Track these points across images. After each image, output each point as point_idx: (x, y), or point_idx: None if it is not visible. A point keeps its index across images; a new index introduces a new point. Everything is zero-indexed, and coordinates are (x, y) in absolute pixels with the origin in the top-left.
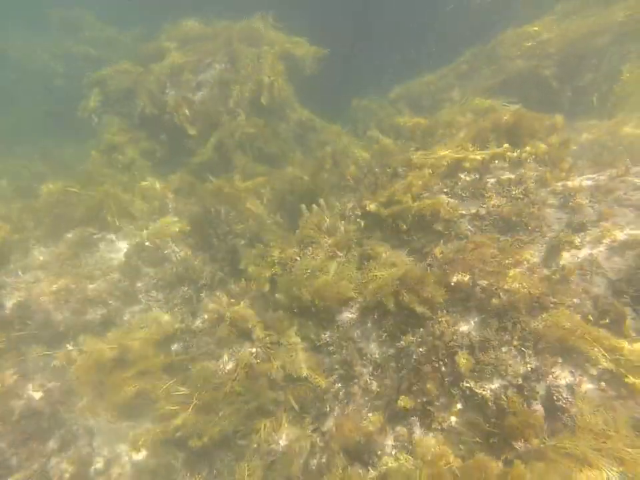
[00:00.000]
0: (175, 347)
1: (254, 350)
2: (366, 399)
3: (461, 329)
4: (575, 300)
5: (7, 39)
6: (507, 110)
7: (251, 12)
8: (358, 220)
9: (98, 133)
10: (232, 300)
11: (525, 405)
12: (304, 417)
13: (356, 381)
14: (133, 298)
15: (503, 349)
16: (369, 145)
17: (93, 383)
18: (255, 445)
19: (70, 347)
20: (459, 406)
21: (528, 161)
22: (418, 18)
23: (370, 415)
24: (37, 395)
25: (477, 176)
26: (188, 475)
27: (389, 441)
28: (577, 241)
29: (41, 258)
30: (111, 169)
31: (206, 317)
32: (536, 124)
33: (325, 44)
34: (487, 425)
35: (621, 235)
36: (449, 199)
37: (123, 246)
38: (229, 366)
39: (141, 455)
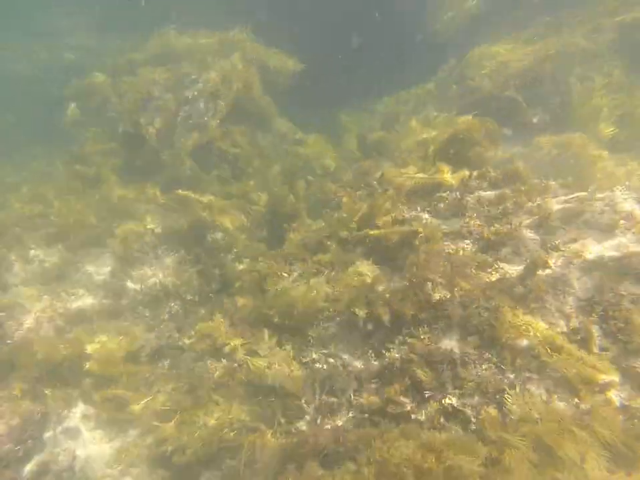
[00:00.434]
0: (164, 363)
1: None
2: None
3: (443, 346)
4: (550, 319)
5: None
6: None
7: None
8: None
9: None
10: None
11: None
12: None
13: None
14: (118, 315)
15: (484, 366)
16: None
17: None
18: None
19: None
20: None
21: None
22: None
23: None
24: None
25: (458, 194)
26: None
27: None
28: (551, 261)
29: (23, 274)
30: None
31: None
32: (476, 135)
33: (312, 57)
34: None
35: (589, 256)
36: (431, 218)
37: (108, 262)
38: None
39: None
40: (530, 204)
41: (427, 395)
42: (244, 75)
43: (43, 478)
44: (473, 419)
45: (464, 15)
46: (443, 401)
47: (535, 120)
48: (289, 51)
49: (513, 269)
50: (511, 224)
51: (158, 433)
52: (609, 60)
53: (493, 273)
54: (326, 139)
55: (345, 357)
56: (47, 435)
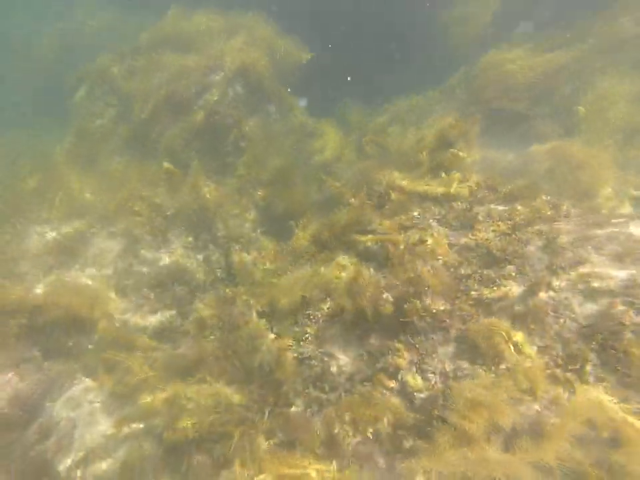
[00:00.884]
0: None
1: None
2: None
3: (436, 358)
4: (547, 341)
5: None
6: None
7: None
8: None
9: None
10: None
11: None
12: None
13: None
14: (124, 295)
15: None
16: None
17: None
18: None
19: None
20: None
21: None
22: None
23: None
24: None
25: (467, 206)
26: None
27: None
28: (555, 283)
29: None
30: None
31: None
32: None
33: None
34: None
35: (595, 282)
36: (439, 227)
37: (120, 241)
38: None
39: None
40: (540, 223)
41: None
42: (254, 57)
43: (44, 442)
44: None
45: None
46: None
47: (540, 131)
48: (300, 41)
49: (515, 287)
50: (518, 241)
51: (151, 407)
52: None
53: (495, 289)
54: (335, 129)
55: (340, 356)
56: (50, 403)
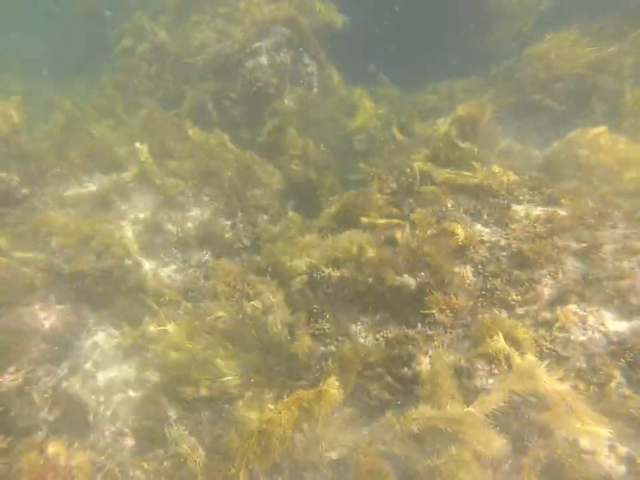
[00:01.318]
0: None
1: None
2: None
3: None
4: (569, 353)
5: None
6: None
7: None
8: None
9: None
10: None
11: None
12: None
13: None
14: (154, 251)
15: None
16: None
17: None
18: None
19: None
20: None
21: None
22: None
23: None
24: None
25: (505, 202)
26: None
27: None
28: (588, 294)
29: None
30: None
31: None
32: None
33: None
34: None
35: (634, 300)
36: (473, 222)
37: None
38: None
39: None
40: (582, 229)
41: None
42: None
43: (70, 378)
44: None
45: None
46: None
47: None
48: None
49: (545, 293)
50: (554, 246)
51: (168, 361)
52: None
53: (522, 291)
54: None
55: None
56: (78, 343)
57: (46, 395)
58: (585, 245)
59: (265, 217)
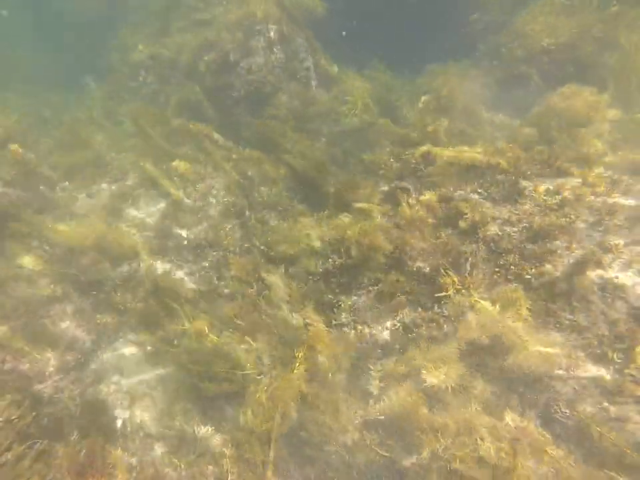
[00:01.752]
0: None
1: None
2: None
3: None
4: (590, 321)
5: None
6: None
7: None
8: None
9: None
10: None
11: None
12: None
13: None
14: (164, 254)
15: None
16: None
17: None
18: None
19: None
20: None
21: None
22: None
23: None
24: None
25: (513, 178)
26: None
27: None
28: (606, 261)
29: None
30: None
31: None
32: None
33: None
34: None
35: None
36: (482, 201)
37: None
38: None
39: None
40: (594, 198)
41: None
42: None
43: (97, 385)
44: None
45: None
46: None
47: None
48: None
49: (561, 264)
50: (566, 216)
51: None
52: None
53: (537, 264)
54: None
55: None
56: (100, 350)
57: (75, 402)
58: (598, 213)
59: (274, 214)
